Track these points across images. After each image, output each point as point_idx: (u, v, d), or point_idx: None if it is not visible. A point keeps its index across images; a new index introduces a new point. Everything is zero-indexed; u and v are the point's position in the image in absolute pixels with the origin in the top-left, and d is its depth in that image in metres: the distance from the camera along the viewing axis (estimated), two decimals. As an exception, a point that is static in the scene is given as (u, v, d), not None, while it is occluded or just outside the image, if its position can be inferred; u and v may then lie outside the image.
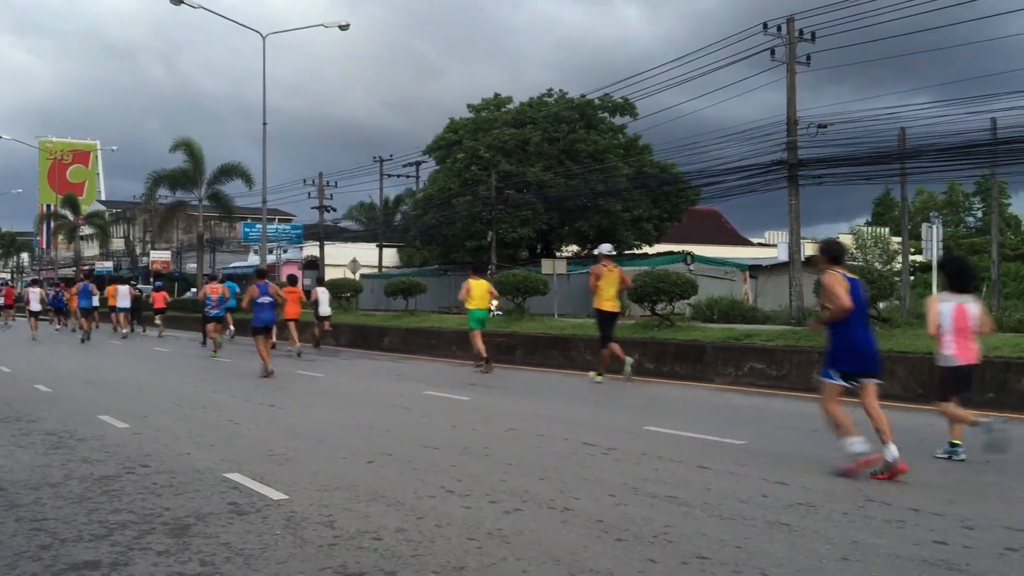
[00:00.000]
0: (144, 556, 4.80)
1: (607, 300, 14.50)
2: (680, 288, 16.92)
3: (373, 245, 50.59)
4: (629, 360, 14.13)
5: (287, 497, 6.09)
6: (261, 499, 6.06)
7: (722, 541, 5.00)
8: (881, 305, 15.75)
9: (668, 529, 5.25)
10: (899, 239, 37.29)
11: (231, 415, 10.31)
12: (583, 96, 38.27)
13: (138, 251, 69.33)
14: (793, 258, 22.91)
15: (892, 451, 6.72)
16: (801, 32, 22.86)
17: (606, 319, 14.51)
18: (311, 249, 51.35)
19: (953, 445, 7.65)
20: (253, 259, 51.62)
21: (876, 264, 44.54)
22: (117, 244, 73.40)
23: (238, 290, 20.94)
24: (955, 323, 7.69)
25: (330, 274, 40.93)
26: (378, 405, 11.51)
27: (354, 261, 41.26)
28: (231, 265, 59.79)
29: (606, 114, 39.20)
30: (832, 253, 7.49)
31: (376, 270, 48.61)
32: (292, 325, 21.19)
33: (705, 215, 57.91)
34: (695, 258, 33.62)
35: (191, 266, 57.07)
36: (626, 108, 38.31)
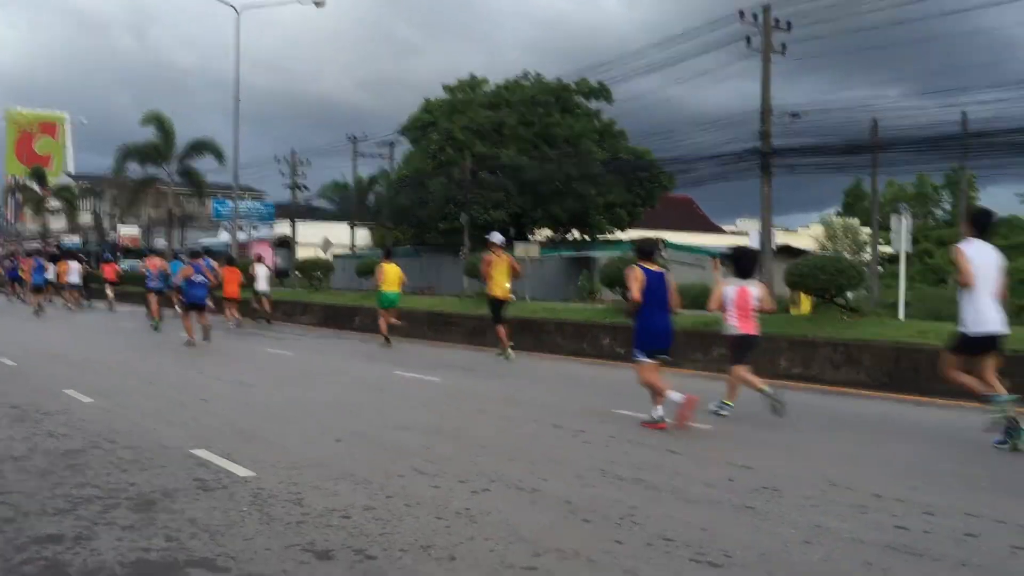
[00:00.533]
0: (108, 531, 4.77)
1: (498, 287, 15.42)
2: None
3: (346, 225, 50.31)
4: (510, 352, 15.05)
5: (255, 474, 6.06)
6: (228, 476, 6.03)
7: (688, 524, 5.05)
8: (850, 295, 15.91)
9: (635, 511, 5.29)
10: (869, 230, 37.69)
11: (200, 392, 10.25)
12: (559, 80, 38.22)
13: (106, 226, 68.45)
14: (765, 246, 23.09)
15: (673, 396, 8.14)
16: (777, 21, 22.97)
17: (497, 304, 15.59)
18: (283, 227, 50.99)
19: (724, 403, 9.01)
20: (224, 236, 51.17)
21: (846, 254, 45.03)
22: (85, 218, 72.42)
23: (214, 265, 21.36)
24: (738, 302, 9.02)
25: (302, 253, 40.75)
26: (348, 385, 11.49)
27: (326, 240, 41.04)
28: (200, 242, 59.28)
29: (582, 98, 39.18)
30: (642, 250, 8.94)
31: (348, 250, 48.38)
32: (232, 303, 22.56)
33: (678, 202, 58.10)
34: (667, 245, 33.77)
35: (160, 242, 56.46)
36: (602, 93, 38.32)
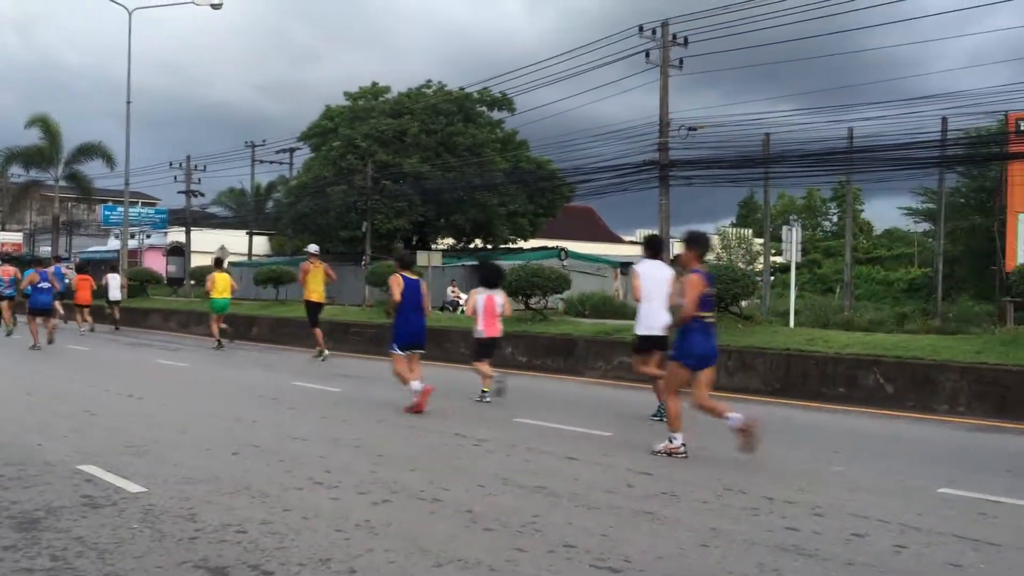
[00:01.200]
0: (-13, 552, 4.53)
1: (314, 292, 17.13)
2: (553, 283, 17.17)
3: (243, 232, 49.22)
4: (325, 352, 16.58)
5: (145, 490, 5.86)
6: (117, 492, 5.81)
7: (588, 530, 5.10)
8: (743, 303, 16.38)
9: (536, 519, 5.31)
10: (761, 240, 38.90)
11: (87, 405, 9.85)
12: (462, 89, 38.29)
13: (-14, 231, 65.30)
14: (662, 257, 23.54)
15: (415, 385, 9.62)
16: (675, 36, 23.52)
17: (314, 308, 17.18)
18: (177, 235, 49.56)
19: (484, 392, 10.92)
20: (113, 243, 49.49)
21: (740, 263, 46.40)
22: (-37, 224, 68.92)
23: (64, 272, 25.34)
24: (485, 308, 11.05)
25: (197, 261, 39.66)
26: (245, 396, 11.22)
27: (222, 248, 40.07)
28: (89, 249, 57.10)
29: (484, 108, 39.34)
30: (402, 260, 10.95)
31: (246, 258, 47.34)
32: (85, 309, 23.83)
33: (579, 212, 58.83)
34: (569, 254, 34.19)
35: (45, 249, 54.18)
36: (504, 103, 38.55)
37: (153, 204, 53.17)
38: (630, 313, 24.72)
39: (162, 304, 29.64)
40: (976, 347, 11.52)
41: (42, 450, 7.19)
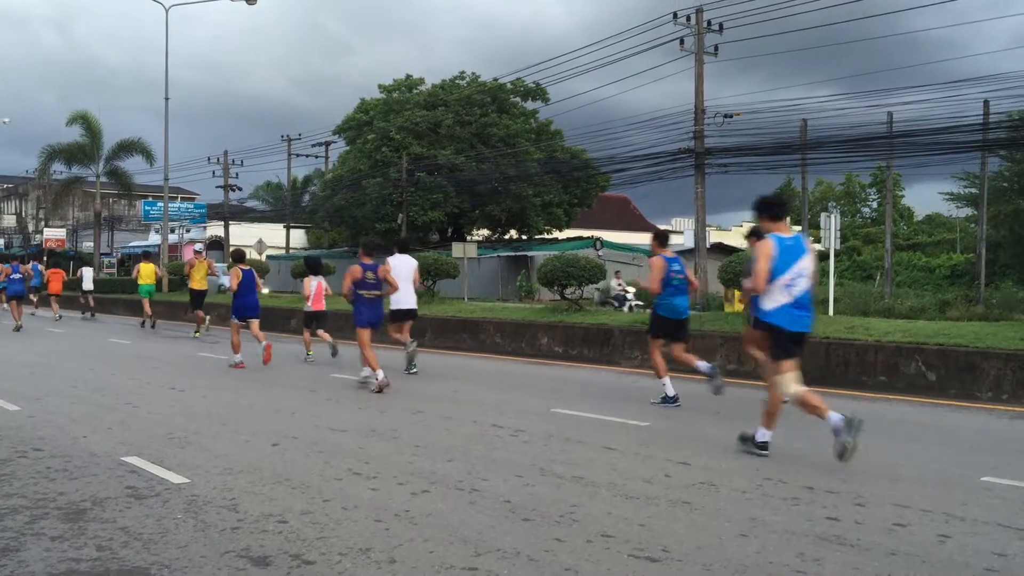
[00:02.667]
0: (37, 541, 4.63)
1: (197, 282, 20.51)
2: (589, 273, 17.13)
3: (280, 226, 49.67)
4: (203, 330, 20.30)
5: (188, 481, 5.95)
6: (161, 483, 5.91)
7: (626, 520, 5.09)
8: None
9: (574, 509, 5.32)
10: (799, 228, 38.49)
11: (129, 397, 10.01)
12: (495, 80, 38.27)
13: (31, 228, 66.51)
14: (699, 244, 23.42)
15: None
16: (710, 23, 23.29)
17: (198, 295, 20.58)
18: (215, 229, 50.13)
19: (308, 355, 14.61)
20: (154, 238, 50.16)
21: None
22: (8, 221, 70.28)
23: (40, 268, 30.15)
24: (316, 291, 14.93)
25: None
26: (284, 388, 11.33)
27: (260, 242, 40.47)
28: (131, 244, 57.95)
29: (518, 98, 39.28)
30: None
31: (283, 251, 47.77)
32: (54, 298, 27.36)
33: (614, 201, 58.64)
34: (604, 244, 34.08)
35: (88, 244, 55.07)
36: (538, 93, 38.48)
37: (192, 199, 53.84)
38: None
39: (270, 301, 29.29)
40: (1020, 333, 11.33)
41: (87, 442, 7.32)
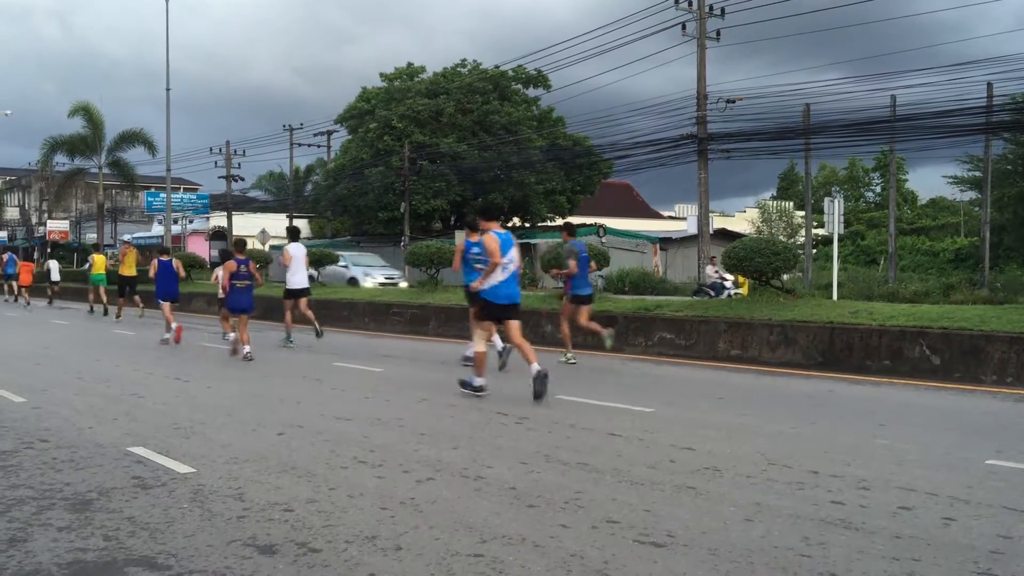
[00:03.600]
0: (44, 532, 4.65)
1: (127, 269, 23.28)
2: (592, 259, 17.09)
3: (283, 215, 49.65)
4: (122, 314, 22.65)
5: (194, 470, 5.97)
6: (167, 473, 5.93)
7: (631, 505, 5.10)
8: (785, 277, 16.21)
9: (579, 495, 5.33)
10: (803, 213, 38.41)
11: (134, 388, 10.04)
12: (497, 67, 38.17)
13: (34, 220, 66.59)
14: (702, 231, 23.38)
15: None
16: (711, 8, 23.19)
17: (127, 280, 23.20)
18: (219, 220, 50.14)
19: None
20: (157, 229, 50.18)
21: (781, 237, 45.83)
22: (11, 213, 70.36)
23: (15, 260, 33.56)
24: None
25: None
26: (288, 377, 11.36)
27: (263, 232, 40.48)
28: (135, 235, 58.00)
29: (520, 86, 39.18)
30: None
31: (286, 241, 47.75)
32: (24, 290, 31.15)
33: (617, 188, 58.55)
34: (607, 231, 34.04)
35: (91, 236, 55.12)
36: (539, 80, 38.38)
37: (195, 189, 53.85)
38: (670, 288, 24.61)
39: (205, 288, 29.95)
40: (1025, 317, 11.30)
41: (93, 433, 7.35)
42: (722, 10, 23.31)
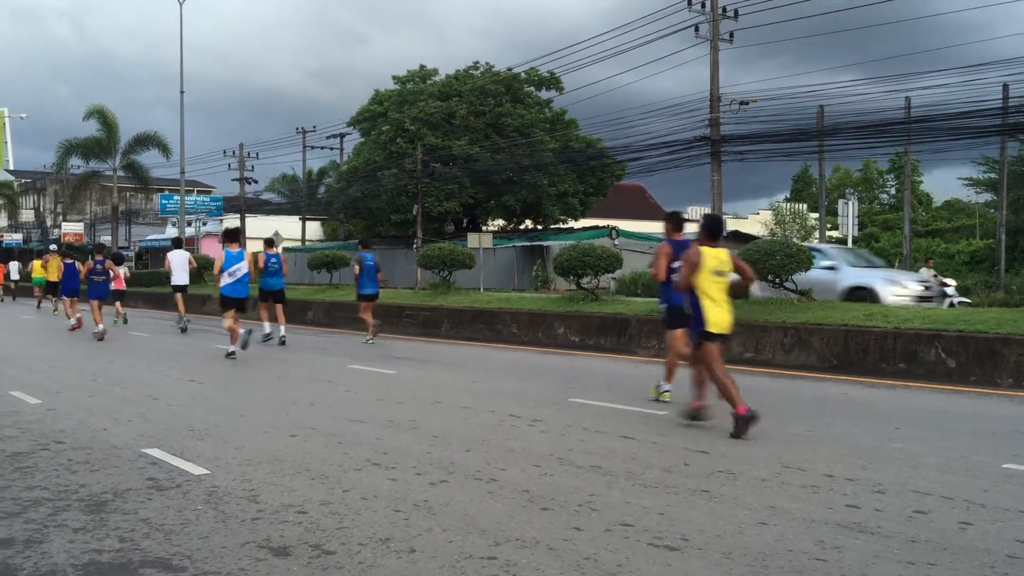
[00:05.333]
0: (60, 533, 4.67)
1: (52, 274, 25.40)
2: (605, 262, 17.08)
3: (296, 218, 49.80)
4: (53, 305, 26.45)
5: (208, 472, 5.99)
6: (181, 474, 5.95)
7: (645, 509, 5.09)
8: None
9: (593, 498, 5.32)
10: (817, 215, 38.26)
11: (149, 390, 10.08)
12: (510, 69, 38.19)
13: (49, 223, 66.98)
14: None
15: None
16: (724, 9, 23.13)
17: (53, 284, 24.88)
18: (232, 221, 50.27)
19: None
20: (171, 231, 50.39)
21: (794, 239, 45.67)
22: (27, 215, 70.80)
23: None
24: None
25: (252, 247, 40.22)
26: (302, 379, 11.38)
27: (276, 234, 40.54)
28: (148, 237, 58.26)
29: (532, 88, 39.18)
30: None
31: (299, 243, 47.90)
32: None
33: (630, 190, 58.45)
34: (620, 233, 33.97)
35: (106, 238, 55.41)
36: (552, 83, 38.35)
37: (208, 192, 54.04)
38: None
39: (254, 292, 29.79)
40: (1042, 320, 11.22)
41: (108, 434, 7.38)
42: (735, 12, 23.24)
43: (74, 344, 16.59)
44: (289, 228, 46.96)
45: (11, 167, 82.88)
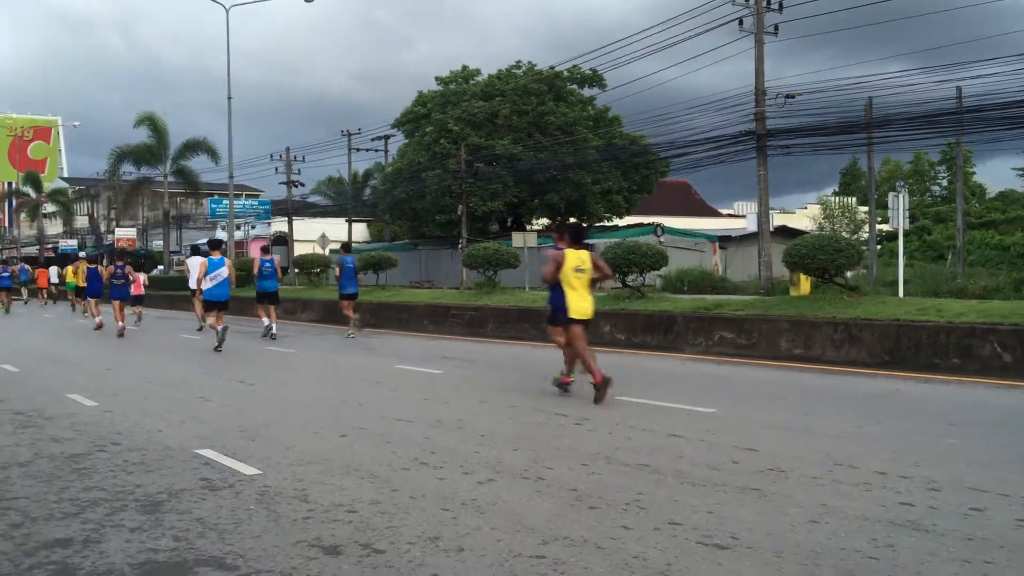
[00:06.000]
0: (117, 533, 4.78)
1: (80, 278, 27.26)
2: (650, 259, 16.99)
3: (342, 220, 50.23)
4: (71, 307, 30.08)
5: (260, 472, 6.07)
6: (234, 474, 6.04)
7: (694, 507, 5.06)
8: (849, 274, 15.91)
9: (641, 496, 5.30)
10: (866, 208, 37.66)
11: (201, 392, 10.25)
12: (552, 68, 38.10)
13: (103, 228, 68.40)
14: (762, 228, 23.04)
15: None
16: (768, 2, 22.85)
17: (80, 289, 26.59)
18: (279, 225, 50.87)
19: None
20: (220, 235, 51.13)
21: (844, 233, 44.95)
22: (81, 222, 72.36)
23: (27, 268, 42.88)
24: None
25: (299, 249, 40.69)
26: (350, 380, 11.49)
27: (323, 236, 40.98)
28: (198, 242, 59.16)
29: (575, 86, 39.07)
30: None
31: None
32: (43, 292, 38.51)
33: (675, 187, 58.06)
34: (665, 230, 33.76)
35: (158, 243, 56.43)
36: (595, 80, 38.20)
37: (256, 196, 54.65)
38: (730, 287, 24.34)
39: (303, 294, 30.05)
40: (1102, 312, 10.93)
41: (162, 435, 7.52)
42: (780, 4, 22.93)
43: (124, 347, 16.92)
44: (335, 230, 47.36)
45: (65, 174, 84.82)
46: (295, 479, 5.86)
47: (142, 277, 24.73)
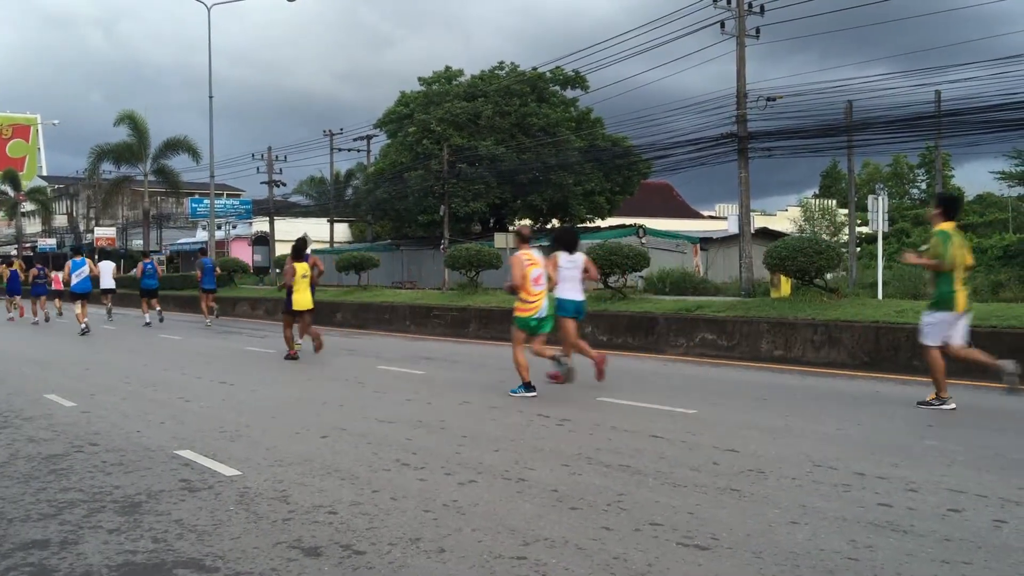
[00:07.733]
0: (95, 534, 4.74)
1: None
2: (632, 261, 17.04)
3: (324, 220, 50.10)
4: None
5: (240, 473, 6.04)
6: (213, 475, 6.01)
7: (674, 508, 5.07)
8: (828, 276, 16.00)
9: (622, 497, 5.31)
10: (846, 211, 37.90)
11: (181, 392, 10.19)
12: (535, 69, 38.15)
13: (82, 228, 67.87)
14: (743, 230, 23.16)
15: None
16: (750, 5, 22.97)
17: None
18: (261, 224, 50.69)
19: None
20: (201, 235, 50.89)
21: (823, 235, 45.25)
22: (60, 221, 71.78)
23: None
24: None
25: (281, 249, 40.52)
26: (331, 380, 11.45)
27: (304, 235, 40.82)
28: (179, 241, 58.84)
29: (557, 87, 39.13)
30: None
31: (327, 245, 48.18)
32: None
33: (656, 188, 58.24)
34: (647, 231, 33.85)
35: (137, 242, 56.05)
36: (577, 81, 38.28)
37: (238, 195, 54.44)
38: (711, 289, 24.43)
39: (249, 293, 30.45)
40: (1078, 314, 11.04)
41: (141, 436, 7.47)
42: (761, 7, 23.06)
43: (107, 347, 16.79)
44: (317, 230, 47.29)
45: (44, 173, 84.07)
46: (275, 480, 5.83)
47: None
